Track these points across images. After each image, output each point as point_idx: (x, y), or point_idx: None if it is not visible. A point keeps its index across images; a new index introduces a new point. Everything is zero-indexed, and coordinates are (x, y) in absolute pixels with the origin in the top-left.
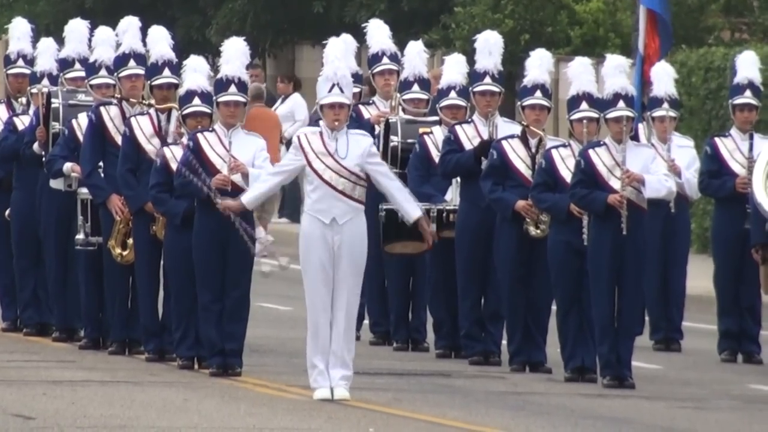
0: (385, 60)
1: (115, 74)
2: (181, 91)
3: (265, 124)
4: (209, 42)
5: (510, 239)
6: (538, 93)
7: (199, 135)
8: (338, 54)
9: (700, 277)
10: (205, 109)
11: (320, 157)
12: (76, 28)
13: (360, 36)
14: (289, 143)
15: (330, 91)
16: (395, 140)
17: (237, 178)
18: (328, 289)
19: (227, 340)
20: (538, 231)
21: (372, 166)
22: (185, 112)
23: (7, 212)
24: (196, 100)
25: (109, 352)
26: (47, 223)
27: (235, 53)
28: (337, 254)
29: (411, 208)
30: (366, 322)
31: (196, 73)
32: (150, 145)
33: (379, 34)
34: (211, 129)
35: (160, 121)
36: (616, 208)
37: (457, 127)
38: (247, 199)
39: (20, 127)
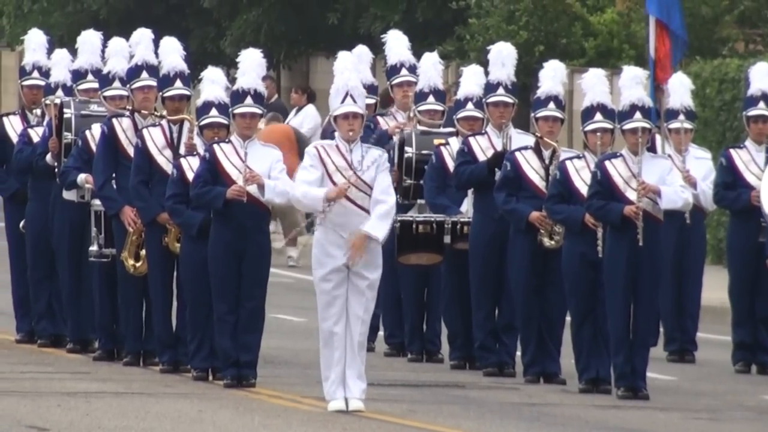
0: (404, 71)
1: (128, 86)
2: (199, 102)
3: (277, 138)
4: (223, 53)
5: (524, 250)
6: (552, 104)
7: (215, 146)
8: (348, 65)
9: (714, 288)
10: (222, 120)
11: (341, 170)
12: (89, 39)
13: (375, 47)
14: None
15: (343, 101)
16: (410, 151)
17: (252, 189)
18: (342, 300)
19: (242, 351)
20: (552, 242)
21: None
22: (202, 123)
23: (22, 224)
24: (213, 111)
25: (124, 364)
26: (60, 235)
27: (251, 65)
28: (352, 267)
29: (370, 225)
30: (381, 333)
31: (213, 84)
32: (162, 156)
33: (397, 45)
34: (227, 140)
35: (172, 132)
36: (632, 220)
37: (471, 139)
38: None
39: (35, 138)
